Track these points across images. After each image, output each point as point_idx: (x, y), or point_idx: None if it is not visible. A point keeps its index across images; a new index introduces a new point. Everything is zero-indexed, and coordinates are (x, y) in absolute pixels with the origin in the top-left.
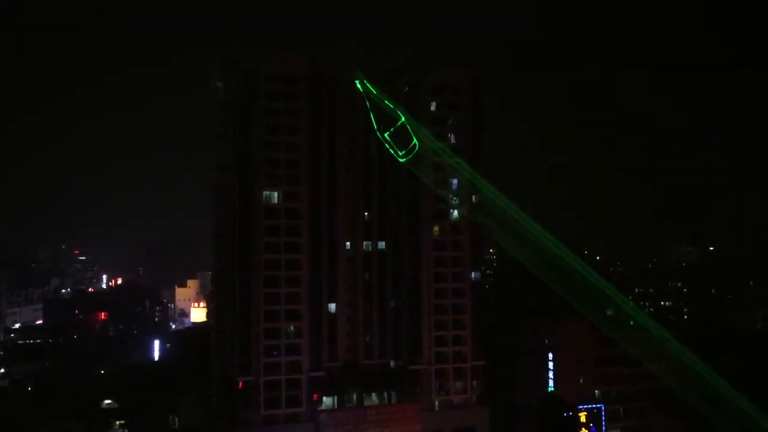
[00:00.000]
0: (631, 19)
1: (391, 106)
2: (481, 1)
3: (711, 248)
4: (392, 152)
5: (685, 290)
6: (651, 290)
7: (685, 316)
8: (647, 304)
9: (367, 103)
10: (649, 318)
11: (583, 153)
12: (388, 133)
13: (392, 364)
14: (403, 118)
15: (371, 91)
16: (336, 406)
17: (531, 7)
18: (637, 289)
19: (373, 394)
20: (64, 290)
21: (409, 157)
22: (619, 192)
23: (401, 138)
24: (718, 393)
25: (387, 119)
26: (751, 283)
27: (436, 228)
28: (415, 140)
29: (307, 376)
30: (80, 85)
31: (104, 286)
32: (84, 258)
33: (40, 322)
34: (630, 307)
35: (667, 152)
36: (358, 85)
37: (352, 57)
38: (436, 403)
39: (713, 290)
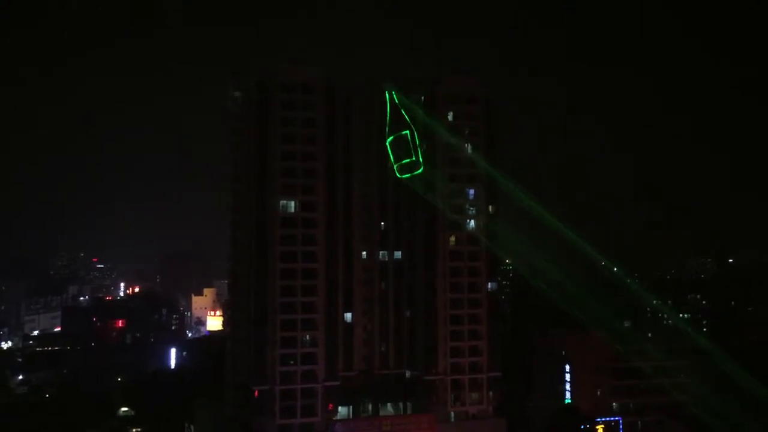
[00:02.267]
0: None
1: (407, 118)
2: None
3: (730, 260)
4: (392, 162)
5: (704, 302)
6: (669, 302)
7: (704, 329)
8: (665, 316)
9: (387, 111)
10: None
11: (600, 164)
12: (389, 139)
13: (408, 374)
14: (407, 131)
15: (400, 101)
16: (351, 416)
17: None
18: (655, 301)
19: (389, 404)
20: (82, 298)
21: (408, 174)
22: (637, 202)
23: (404, 149)
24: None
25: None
26: None
27: (453, 238)
28: (420, 161)
29: (322, 386)
30: (99, 92)
31: (122, 293)
32: (102, 266)
33: (58, 329)
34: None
35: (684, 162)
36: (387, 96)
37: (368, 68)
38: (452, 413)
39: (733, 303)
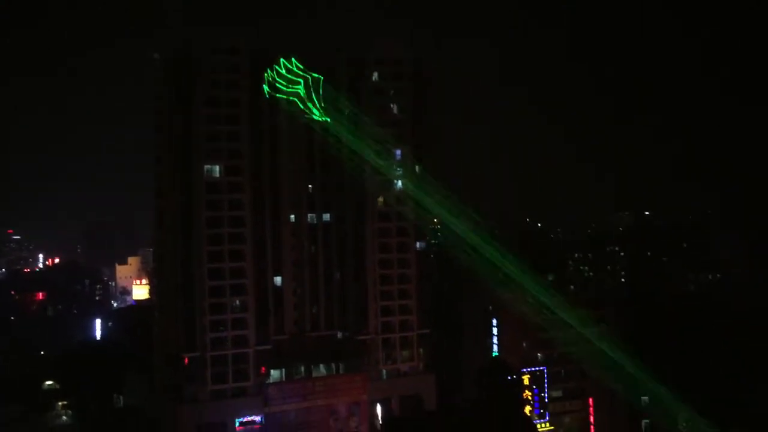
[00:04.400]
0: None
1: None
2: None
3: (646, 213)
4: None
5: (621, 254)
6: (590, 255)
7: (622, 280)
8: (587, 269)
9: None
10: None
11: (522, 121)
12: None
13: (339, 335)
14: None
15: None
16: (284, 379)
17: None
18: (576, 255)
19: (321, 366)
20: None
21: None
22: (559, 158)
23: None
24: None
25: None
26: (685, 245)
27: (381, 199)
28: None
29: (254, 350)
30: (20, 59)
31: (41, 265)
32: (18, 237)
33: None
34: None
35: (603, 117)
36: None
37: (299, 36)
38: (384, 371)
39: (648, 254)
